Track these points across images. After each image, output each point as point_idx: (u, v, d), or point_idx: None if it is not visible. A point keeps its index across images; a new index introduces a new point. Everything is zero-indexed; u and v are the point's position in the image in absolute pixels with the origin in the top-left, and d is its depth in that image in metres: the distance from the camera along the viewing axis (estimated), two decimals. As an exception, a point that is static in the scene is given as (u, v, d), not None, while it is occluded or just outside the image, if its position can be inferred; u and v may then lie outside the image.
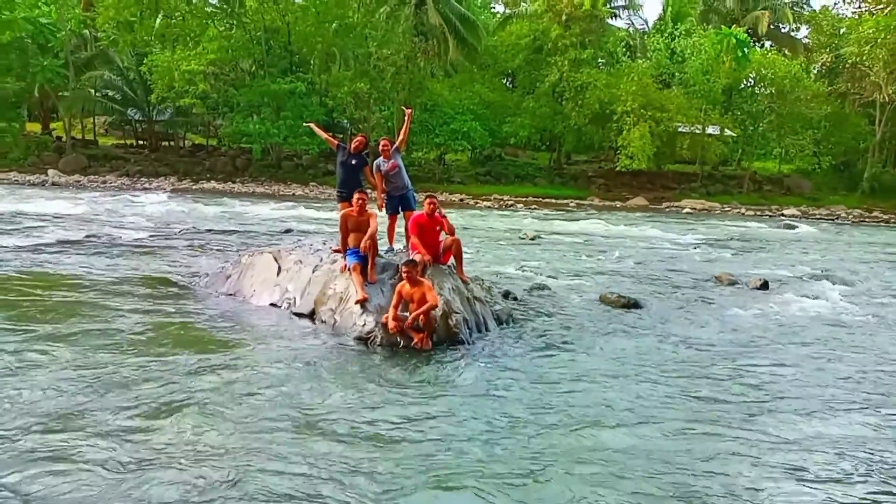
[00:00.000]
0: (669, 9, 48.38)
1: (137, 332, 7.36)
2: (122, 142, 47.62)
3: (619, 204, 38.72)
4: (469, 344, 7.49)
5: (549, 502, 4.26)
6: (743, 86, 43.97)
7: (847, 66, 43.41)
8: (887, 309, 11.15)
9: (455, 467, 4.61)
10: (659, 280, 12.88)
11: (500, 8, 53.61)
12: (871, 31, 38.76)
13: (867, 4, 44.76)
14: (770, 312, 10.25)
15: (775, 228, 28.20)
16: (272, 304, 8.72)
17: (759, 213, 37.58)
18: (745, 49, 40.13)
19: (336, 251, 8.77)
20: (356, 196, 8.22)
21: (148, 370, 6.13)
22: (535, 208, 34.20)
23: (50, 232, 15.62)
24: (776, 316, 10.06)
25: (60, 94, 41.45)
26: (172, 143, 46.69)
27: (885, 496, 4.57)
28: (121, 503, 4.00)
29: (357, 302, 7.64)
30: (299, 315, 8.26)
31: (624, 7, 48.33)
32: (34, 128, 46.22)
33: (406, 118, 9.49)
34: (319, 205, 28.53)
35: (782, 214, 37.09)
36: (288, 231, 18.13)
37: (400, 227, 9.37)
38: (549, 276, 12.50)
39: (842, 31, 45.17)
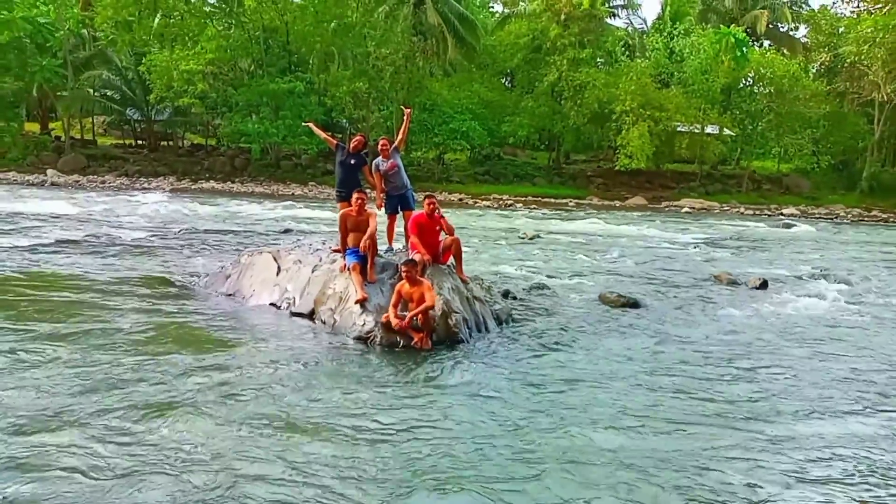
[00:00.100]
0: (668, 8, 48.39)
1: (136, 332, 7.35)
2: (121, 141, 47.57)
3: (618, 203, 38.73)
4: (469, 343, 7.49)
5: (547, 503, 4.26)
6: (742, 85, 44.00)
7: (846, 65, 43.45)
8: (886, 308, 11.17)
9: (454, 468, 4.61)
10: (658, 279, 12.88)
11: (498, 7, 53.65)
12: (869, 30, 38.80)
13: (865, 4, 44.81)
14: (769, 312, 10.25)
15: (774, 228, 28.22)
16: (272, 304, 8.72)
17: (757, 212, 37.61)
18: (744, 48, 40.15)
19: (335, 251, 8.77)
20: (355, 196, 8.21)
21: (146, 370, 6.13)
22: (534, 208, 34.20)
23: (49, 232, 15.61)
24: (775, 315, 10.07)
25: (59, 93, 41.42)
26: (171, 142, 46.65)
27: (884, 497, 4.57)
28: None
29: (357, 301, 7.64)
30: (299, 315, 8.26)
31: (622, 6, 48.41)
32: (33, 128, 46.17)
33: (405, 118, 9.48)
34: (318, 204, 28.52)
35: (781, 214, 37.12)
36: (287, 231, 18.12)
37: (399, 227, 9.37)
38: (549, 276, 12.50)
39: (840, 30, 45.23)
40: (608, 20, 45.31)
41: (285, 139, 38.67)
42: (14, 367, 6.05)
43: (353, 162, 9.01)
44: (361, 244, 7.94)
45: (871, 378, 7.12)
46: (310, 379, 6.17)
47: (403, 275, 7.35)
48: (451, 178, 41.54)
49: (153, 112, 43.62)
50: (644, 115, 38.49)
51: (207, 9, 40.92)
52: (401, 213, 9.17)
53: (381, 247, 8.89)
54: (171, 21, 39.61)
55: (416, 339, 7.17)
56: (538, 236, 19.78)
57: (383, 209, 9.20)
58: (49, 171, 37.18)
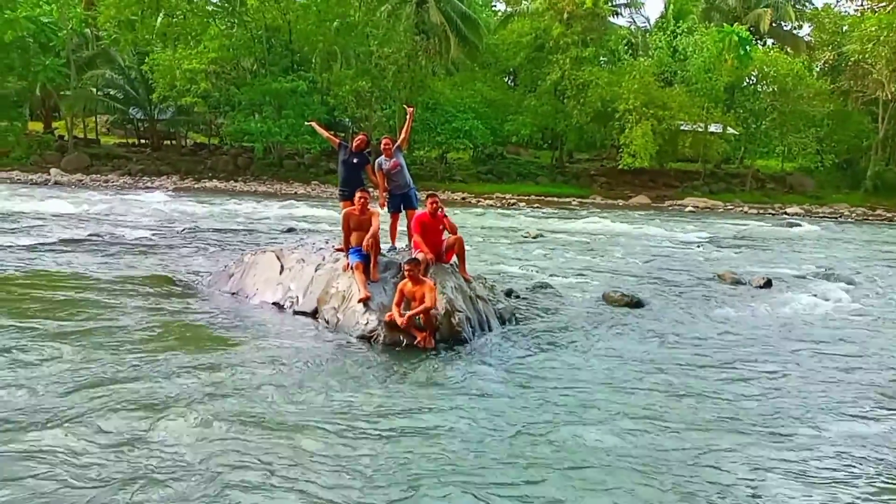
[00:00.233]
0: (671, 6, 48.28)
1: (139, 331, 7.36)
2: (124, 141, 47.65)
3: (621, 202, 38.69)
4: (471, 342, 7.48)
5: (549, 502, 4.24)
6: (745, 84, 43.88)
7: (849, 63, 43.33)
8: (891, 308, 11.13)
9: (457, 468, 4.59)
10: (662, 278, 12.86)
11: (501, 6, 53.62)
12: (873, 28, 38.68)
13: (869, 2, 44.68)
14: (773, 311, 10.22)
15: (778, 227, 28.16)
16: (275, 303, 8.71)
17: (761, 211, 37.53)
18: (747, 47, 40.03)
19: (338, 250, 8.76)
20: (358, 195, 8.20)
21: (149, 368, 6.12)
22: (537, 207, 34.18)
23: (52, 231, 15.63)
24: (779, 315, 10.04)
25: (62, 93, 41.50)
26: (174, 141, 46.71)
27: (889, 498, 4.55)
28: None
29: (360, 301, 7.63)
30: (302, 314, 8.25)
31: (625, 5, 48.34)
32: (36, 127, 46.28)
33: (408, 116, 9.47)
34: (321, 203, 28.53)
35: (785, 213, 37.03)
36: (290, 230, 18.13)
37: (402, 226, 9.35)
38: (552, 275, 12.48)
39: (844, 28, 45.10)
40: (611, 19, 45.24)
41: (288, 138, 38.70)
42: (16, 366, 6.05)
43: (355, 161, 9.00)
44: (364, 243, 7.93)
45: (876, 379, 7.08)
46: (313, 378, 6.16)
47: (406, 274, 7.34)
48: (454, 177, 41.52)
49: (156, 111, 43.70)
50: (647, 114, 38.42)
51: (210, 8, 40.97)
52: (404, 211, 9.16)
53: (384, 246, 8.88)
54: (174, 20, 39.66)
55: (419, 338, 7.16)
56: (541, 235, 19.75)
57: (386, 208, 9.19)
58: (52, 171, 37.27)
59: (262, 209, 24.99)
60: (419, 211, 8.80)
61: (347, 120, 41.85)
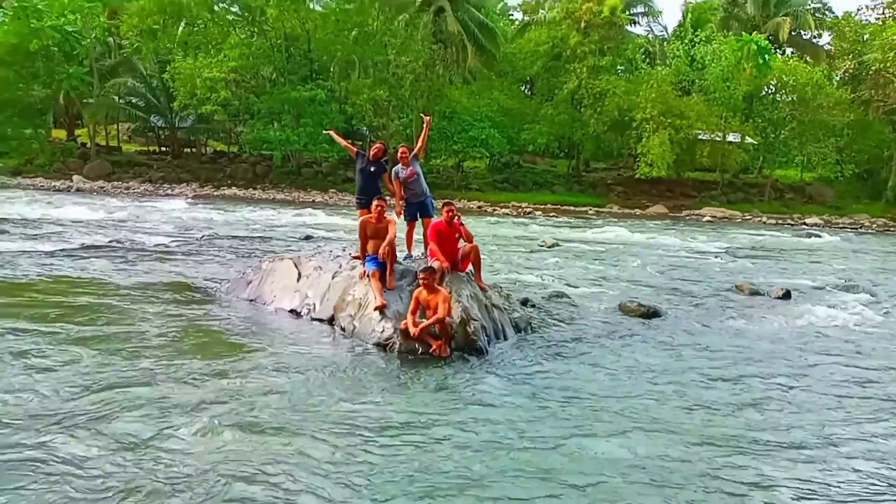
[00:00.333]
0: (689, 15, 48.11)
1: (158, 336, 7.45)
2: (145, 148, 48.25)
3: (638, 212, 38.49)
4: (487, 352, 7.48)
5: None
6: (764, 93, 43.54)
7: (870, 72, 42.85)
8: (912, 320, 10.97)
9: (470, 476, 4.60)
10: (679, 289, 12.79)
11: (518, 15, 53.73)
12: (895, 37, 38.25)
13: (891, 10, 44.20)
14: (792, 323, 10.13)
15: (797, 237, 27.87)
16: (292, 310, 8.78)
17: (780, 221, 37.16)
18: (766, 56, 39.75)
19: (355, 258, 8.83)
20: (375, 203, 8.28)
21: (167, 374, 6.20)
22: (553, 216, 34.10)
23: (74, 237, 15.86)
24: (798, 327, 9.94)
25: (85, 101, 42.15)
26: (194, 149, 47.21)
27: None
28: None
29: (376, 308, 7.68)
30: (319, 321, 8.31)
31: (643, 14, 48.14)
32: (60, 134, 47.01)
33: (424, 125, 9.52)
34: (339, 211, 28.69)
35: (804, 223, 36.62)
36: (308, 237, 18.25)
37: (418, 234, 9.40)
38: (568, 284, 12.45)
39: (865, 37, 44.62)
40: (628, 27, 45.13)
41: (306, 146, 38.97)
42: (35, 369, 6.15)
43: (372, 169, 9.06)
44: (381, 251, 7.99)
45: (895, 393, 7.00)
46: (328, 384, 6.20)
47: (421, 282, 7.38)
48: (470, 185, 41.55)
49: (177, 119, 44.23)
50: (665, 123, 38.23)
51: (230, 17, 41.46)
52: (420, 220, 9.21)
53: (400, 254, 8.93)
54: (195, 29, 40.19)
55: (434, 347, 7.18)
56: (557, 244, 19.71)
57: (402, 216, 9.25)
58: (75, 178, 37.81)
59: (280, 217, 25.18)
60: (435, 219, 8.84)
61: (365, 129, 42.07)
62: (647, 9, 47.65)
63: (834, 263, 18.76)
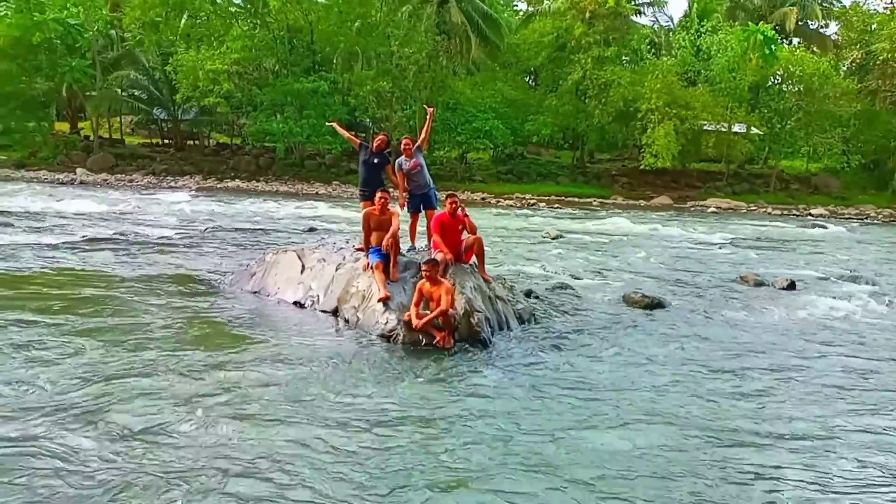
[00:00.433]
0: (695, 5, 47.81)
1: (161, 328, 7.45)
2: (148, 141, 48.31)
3: (643, 203, 38.40)
4: (490, 343, 7.47)
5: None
6: (770, 83, 43.34)
7: (878, 62, 42.58)
8: (919, 310, 10.90)
9: (472, 467, 4.59)
10: (683, 280, 12.74)
11: (522, 6, 53.45)
12: (903, 26, 37.99)
13: (899, -1, 43.86)
14: (797, 314, 10.08)
15: (802, 228, 27.75)
16: (296, 302, 8.78)
17: (785, 212, 37.03)
18: (773, 46, 39.50)
19: (359, 249, 8.81)
20: (378, 195, 8.25)
21: (171, 365, 6.20)
22: (557, 207, 34.04)
23: (77, 229, 15.88)
24: (803, 317, 9.90)
25: (88, 93, 42.18)
26: (197, 141, 47.24)
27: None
28: (137, 499, 4.04)
29: (380, 300, 7.66)
30: (323, 312, 8.31)
31: (648, 4, 47.97)
32: (63, 127, 47.07)
33: (428, 117, 9.47)
34: (342, 203, 28.68)
35: (810, 214, 36.49)
36: (311, 229, 18.24)
37: (422, 226, 9.38)
38: (572, 276, 12.42)
39: (873, 27, 44.32)
40: (634, 18, 44.92)
41: (309, 138, 38.95)
42: (38, 361, 6.15)
43: (376, 161, 9.03)
44: (384, 243, 7.97)
45: (903, 382, 6.96)
46: (332, 376, 6.20)
47: (424, 274, 7.36)
48: (474, 177, 41.49)
49: (180, 111, 44.24)
50: (670, 114, 38.07)
51: (233, 9, 41.40)
52: (423, 211, 9.18)
53: (404, 246, 8.90)
54: (198, 21, 40.16)
55: (438, 338, 7.17)
56: (561, 236, 19.66)
57: (406, 208, 9.22)
58: (78, 170, 37.91)
59: (284, 209, 25.18)
60: (439, 211, 8.81)
61: (368, 120, 42.02)
62: (652, -1, 47.40)
63: (839, 254, 18.67)
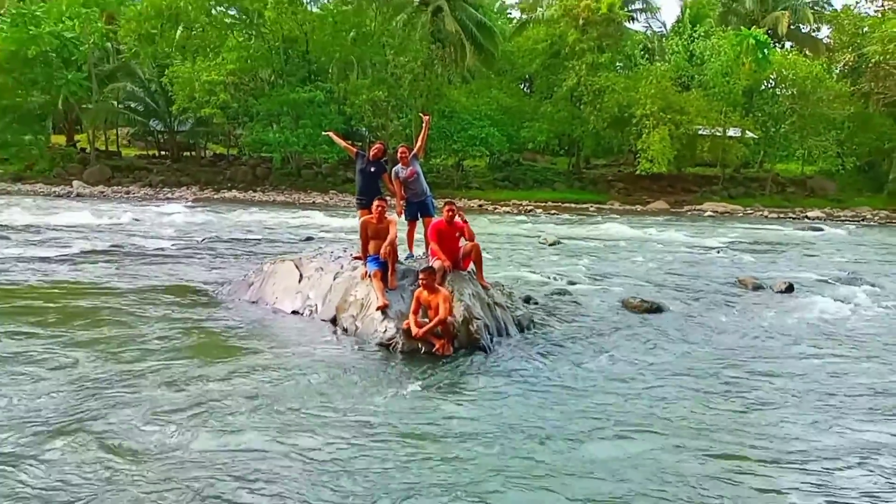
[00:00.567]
0: (688, 11, 48.06)
1: (159, 339, 7.44)
2: (145, 153, 48.30)
3: (639, 208, 38.46)
4: (490, 350, 7.46)
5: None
6: (763, 87, 43.47)
7: (870, 65, 42.74)
8: (917, 311, 10.92)
9: (472, 474, 4.58)
10: (681, 284, 12.75)
11: (516, 13, 53.64)
12: (894, 29, 38.15)
13: (890, 3, 44.09)
14: (795, 317, 10.09)
15: (799, 231, 27.81)
16: (294, 312, 8.77)
17: (782, 215, 37.10)
18: (765, 50, 39.68)
19: (356, 258, 8.81)
20: (375, 203, 8.26)
21: (171, 376, 6.18)
22: (554, 213, 34.08)
23: (74, 242, 15.85)
24: (801, 320, 9.90)
25: (84, 106, 42.18)
26: (194, 153, 47.24)
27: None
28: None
29: (378, 308, 7.66)
30: (321, 322, 8.29)
31: (641, 10, 48.10)
32: (59, 140, 47.02)
33: (424, 125, 9.50)
34: (339, 212, 28.68)
35: (806, 216, 36.57)
36: (309, 239, 18.24)
37: (419, 234, 9.38)
38: (570, 281, 12.42)
39: (864, 30, 44.51)
40: (627, 24, 45.08)
41: (306, 148, 38.97)
42: (34, 374, 6.13)
43: (372, 170, 9.04)
44: (382, 251, 7.97)
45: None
46: (331, 384, 6.18)
47: (421, 283, 7.36)
48: (471, 184, 41.52)
49: (176, 123, 44.24)
50: (664, 119, 38.17)
51: (228, 20, 41.46)
52: (421, 219, 9.18)
53: (402, 254, 8.90)
54: (193, 33, 40.18)
55: (437, 346, 7.16)
56: (559, 242, 19.67)
57: (403, 216, 9.22)
58: (75, 183, 37.86)
59: (281, 218, 25.17)
60: (436, 219, 8.81)
61: (364, 129, 42.08)
62: (645, 5, 47.61)
63: (836, 256, 18.71)
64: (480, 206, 36.41)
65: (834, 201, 41.21)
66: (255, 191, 38.81)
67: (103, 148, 45.68)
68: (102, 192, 36.34)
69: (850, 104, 41.68)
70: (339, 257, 9.37)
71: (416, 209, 9.17)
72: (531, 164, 46.37)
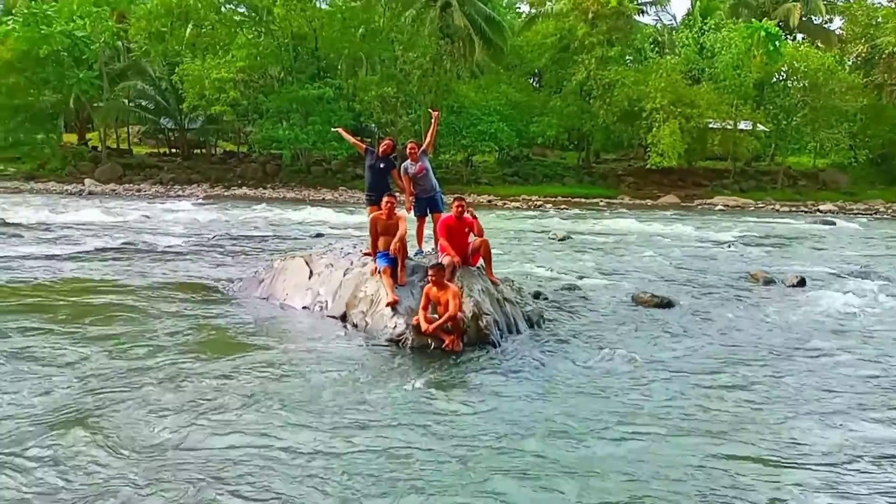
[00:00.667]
0: (698, 3, 47.71)
1: (171, 335, 7.49)
2: (156, 150, 48.61)
3: (649, 202, 38.30)
4: (499, 346, 7.47)
5: (582, 504, 4.22)
6: (775, 80, 43.14)
7: (884, 56, 42.36)
8: (930, 305, 10.82)
9: (483, 469, 4.59)
10: (692, 279, 12.70)
11: (525, 8, 53.45)
12: (908, 19, 37.78)
13: (904, -7, 43.63)
14: (808, 311, 10.01)
15: (811, 224, 27.61)
16: (304, 308, 8.81)
17: (793, 209, 36.84)
18: (777, 42, 39.38)
19: (366, 254, 8.83)
20: (385, 199, 8.28)
21: (180, 372, 6.23)
22: (564, 208, 33.99)
23: (86, 239, 15.98)
24: (814, 315, 9.82)
25: (95, 104, 42.48)
26: (204, 150, 47.47)
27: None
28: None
29: (388, 304, 7.68)
30: (331, 318, 8.33)
31: (651, 3, 47.87)
32: (71, 138, 47.40)
33: (433, 121, 9.48)
34: (349, 209, 28.75)
35: (818, 210, 36.28)
36: (319, 235, 18.29)
37: (428, 230, 9.38)
38: (580, 277, 12.40)
39: (878, 20, 44.06)
40: (636, 17, 44.84)
41: (315, 145, 39.08)
42: (48, 370, 6.20)
43: (382, 166, 9.05)
44: (391, 247, 7.98)
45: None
46: (341, 380, 6.21)
47: (430, 279, 7.36)
48: (480, 179, 41.50)
49: (186, 121, 44.48)
50: (675, 113, 37.97)
51: (238, 18, 41.63)
52: (430, 215, 9.19)
53: (411, 250, 8.91)
54: (203, 31, 40.36)
55: (447, 342, 7.17)
56: (569, 237, 19.63)
57: (412, 212, 9.23)
58: (87, 181, 38.16)
59: (291, 215, 25.26)
60: (445, 214, 8.82)
61: (373, 125, 42.13)
62: (654, -3, 47.34)
63: (849, 250, 18.56)
64: (490, 201, 36.39)
65: (846, 194, 40.87)
66: (265, 188, 38.97)
67: (114, 146, 45.99)
68: (114, 190, 36.59)
69: (862, 96, 41.30)
70: (349, 254, 9.39)
71: (426, 205, 9.17)
72: (541, 159, 46.27)
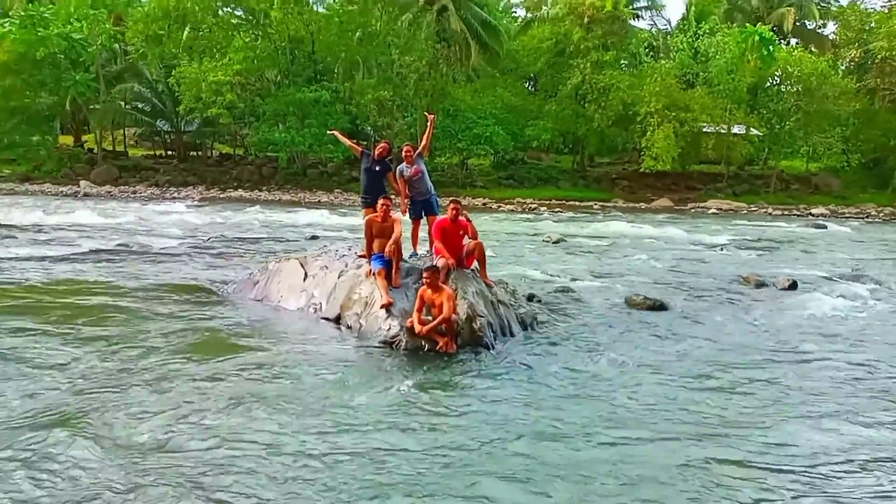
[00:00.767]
0: (693, 8, 47.96)
1: (165, 337, 7.51)
2: (152, 153, 48.56)
3: (643, 205, 38.44)
4: (493, 348, 7.51)
5: None
6: (768, 84, 43.40)
7: (876, 61, 42.61)
8: (920, 308, 10.92)
9: (476, 472, 4.64)
10: (685, 282, 12.78)
11: (521, 12, 53.70)
12: (901, 25, 38.02)
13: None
14: (799, 314, 10.10)
15: (804, 228, 27.76)
16: (299, 310, 8.85)
17: (786, 212, 37.02)
18: (770, 47, 39.59)
19: (361, 256, 8.88)
20: (380, 202, 8.33)
21: (174, 373, 6.27)
22: (558, 211, 34.10)
23: (82, 241, 15.97)
24: (805, 317, 9.91)
25: (92, 107, 42.43)
26: (200, 152, 47.45)
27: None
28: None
29: (382, 306, 7.73)
30: (325, 320, 8.38)
31: (646, 8, 48.12)
32: (67, 140, 47.30)
33: (429, 124, 9.55)
34: (344, 211, 28.78)
35: (810, 213, 36.47)
36: (314, 237, 18.34)
37: (423, 232, 9.45)
38: (574, 279, 12.48)
39: (871, 25, 44.35)
40: (632, 22, 45.08)
41: (311, 147, 39.12)
42: (41, 371, 6.23)
43: (377, 168, 9.11)
44: (386, 249, 8.04)
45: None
46: (335, 382, 6.26)
47: (425, 281, 7.42)
48: (475, 182, 41.59)
49: (182, 123, 44.47)
50: (669, 117, 38.16)
51: (235, 21, 41.68)
52: (425, 218, 9.26)
53: (406, 252, 8.98)
54: (200, 34, 40.39)
55: (440, 344, 7.22)
56: (563, 240, 19.71)
57: (408, 214, 9.30)
58: (82, 183, 38.11)
59: (286, 217, 25.28)
60: (440, 217, 8.89)
61: (369, 128, 42.19)
62: (650, 2, 47.66)
63: (840, 253, 18.69)
64: (485, 204, 36.47)
65: (838, 198, 41.10)
66: (260, 190, 38.98)
67: (110, 148, 45.95)
68: (109, 192, 36.55)
69: (855, 101, 41.54)
70: (344, 256, 9.44)
71: (421, 207, 9.23)
72: (535, 162, 46.39)
